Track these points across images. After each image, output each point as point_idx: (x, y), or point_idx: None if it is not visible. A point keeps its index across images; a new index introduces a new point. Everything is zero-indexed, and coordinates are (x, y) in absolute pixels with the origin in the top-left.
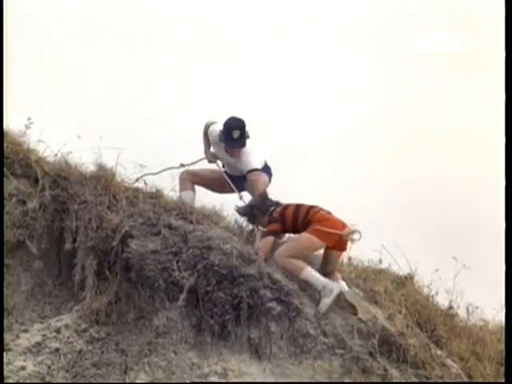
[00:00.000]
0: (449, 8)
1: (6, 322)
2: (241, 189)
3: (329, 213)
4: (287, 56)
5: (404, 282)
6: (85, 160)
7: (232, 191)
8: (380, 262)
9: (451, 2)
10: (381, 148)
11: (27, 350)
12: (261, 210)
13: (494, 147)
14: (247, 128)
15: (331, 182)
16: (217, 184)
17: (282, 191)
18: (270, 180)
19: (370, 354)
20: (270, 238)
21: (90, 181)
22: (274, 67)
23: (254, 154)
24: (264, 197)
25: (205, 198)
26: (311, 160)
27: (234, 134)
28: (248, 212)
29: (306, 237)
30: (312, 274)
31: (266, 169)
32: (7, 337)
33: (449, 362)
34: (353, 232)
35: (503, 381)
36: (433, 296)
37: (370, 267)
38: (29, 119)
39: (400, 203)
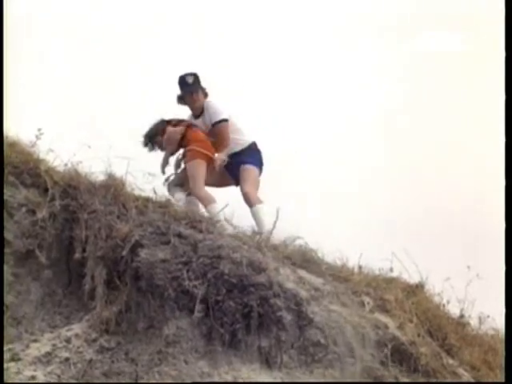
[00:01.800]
0: (449, 8)
1: (15, 331)
2: None
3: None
4: (287, 56)
5: (415, 291)
6: (94, 169)
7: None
8: (391, 270)
9: (451, 2)
10: (388, 153)
11: (37, 360)
12: (156, 131)
13: (494, 147)
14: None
15: (340, 191)
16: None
17: (292, 193)
18: (261, 169)
19: (382, 363)
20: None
21: (99, 190)
22: (273, 67)
23: (218, 106)
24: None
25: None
26: (318, 168)
27: (188, 80)
28: (147, 141)
29: (194, 163)
30: (214, 210)
31: (257, 153)
32: (17, 346)
33: (460, 370)
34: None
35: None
36: (444, 305)
37: (381, 276)
38: (39, 130)
39: (410, 211)
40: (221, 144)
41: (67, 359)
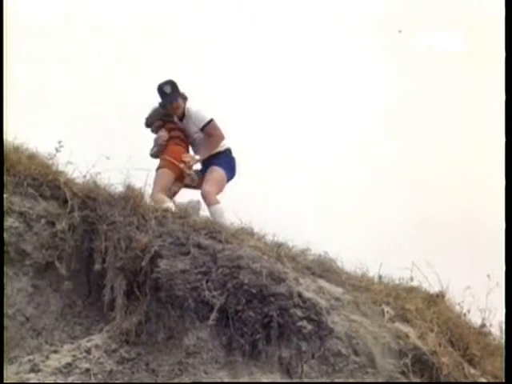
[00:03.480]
0: (449, 8)
1: (35, 342)
2: None
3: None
4: (286, 56)
5: (435, 300)
6: (113, 181)
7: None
8: (411, 279)
9: (451, 2)
10: (392, 154)
11: (57, 371)
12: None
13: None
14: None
15: (358, 200)
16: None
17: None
18: (231, 174)
19: (403, 373)
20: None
21: (118, 201)
22: (273, 68)
23: (199, 111)
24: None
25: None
26: (328, 174)
27: (166, 90)
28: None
29: (162, 171)
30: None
31: (230, 159)
32: (37, 357)
33: (482, 380)
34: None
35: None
36: (465, 314)
37: (401, 285)
38: (59, 142)
39: (430, 220)
40: (217, 142)
41: (88, 370)
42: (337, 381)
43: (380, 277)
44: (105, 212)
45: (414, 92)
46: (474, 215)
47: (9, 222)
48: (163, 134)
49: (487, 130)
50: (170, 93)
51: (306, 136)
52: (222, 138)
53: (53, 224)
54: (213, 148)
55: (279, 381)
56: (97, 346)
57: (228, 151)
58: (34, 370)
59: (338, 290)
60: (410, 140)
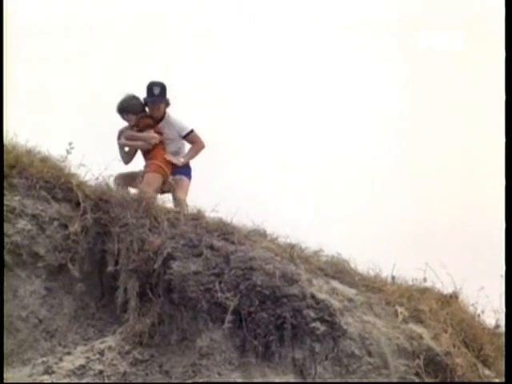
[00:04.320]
0: (449, 8)
1: (48, 344)
2: None
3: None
4: (286, 56)
5: (449, 301)
6: None
7: None
8: (424, 280)
9: (451, 2)
10: (396, 156)
11: (71, 373)
12: (129, 108)
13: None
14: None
15: (370, 201)
16: None
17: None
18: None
19: (416, 374)
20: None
21: (131, 203)
22: (273, 67)
23: (181, 120)
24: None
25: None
26: (344, 179)
27: (154, 90)
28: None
29: (153, 175)
30: None
31: (189, 168)
32: (50, 359)
33: (497, 381)
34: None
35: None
36: (479, 315)
37: (414, 286)
38: (70, 144)
39: (443, 221)
40: (197, 148)
41: (101, 372)
42: (350, 382)
43: (393, 278)
44: (117, 214)
45: (413, 92)
46: (488, 215)
47: (21, 224)
48: (155, 136)
49: (487, 130)
50: (157, 94)
51: (312, 137)
52: (203, 145)
53: (65, 226)
54: (196, 154)
55: (293, 381)
56: (110, 348)
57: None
58: (48, 371)
59: (351, 291)
60: (410, 140)
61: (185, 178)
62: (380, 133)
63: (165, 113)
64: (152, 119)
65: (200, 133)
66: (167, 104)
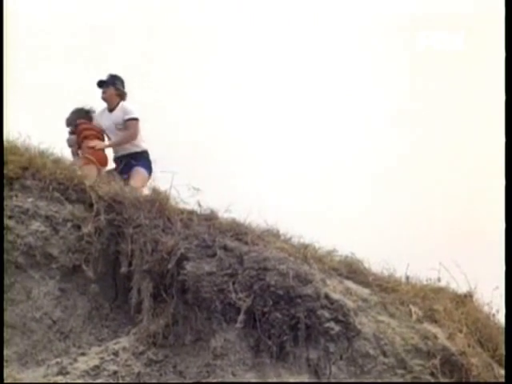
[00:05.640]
0: (449, 8)
1: (63, 345)
2: None
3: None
4: (286, 56)
5: (464, 301)
6: None
7: None
8: (438, 280)
9: (451, 2)
10: (399, 155)
11: (85, 373)
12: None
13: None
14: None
15: (384, 202)
16: None
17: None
18: (150, 174)
19: (432, 374)
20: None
21: (144, 204)
22: (274, 68)
23: (131, 107)
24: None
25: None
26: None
27: (106, 78)
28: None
29: (88, 167)
30: None
31: (148, 161)
32: (64, 360)
33: None
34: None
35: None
36: (494, 314)
37: (429, 285)
38: None
39: (457, 220)
40: (129, 136)
41: (115, 372)
42: (365, 381)
43: (407, 277)
44: (131, 215)
45: (413, 92)
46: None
47: (35, 226)
48: (73, 137)
49: (487, 129)
50: (104, 80)
51: (320, 138)
52: (132, 137)
53: (79, 227)
54: (122, 140)
55: (307, 381)
56: (124, 349)
57: (145, 153)
58: (62, 372)
59: (365, 291)
60: (410, 140)
61: (139, 169)
62: (380, 133)
63: (118, 103)
64: (87, 120)
65: (140, 127)
66: (120, 96)
